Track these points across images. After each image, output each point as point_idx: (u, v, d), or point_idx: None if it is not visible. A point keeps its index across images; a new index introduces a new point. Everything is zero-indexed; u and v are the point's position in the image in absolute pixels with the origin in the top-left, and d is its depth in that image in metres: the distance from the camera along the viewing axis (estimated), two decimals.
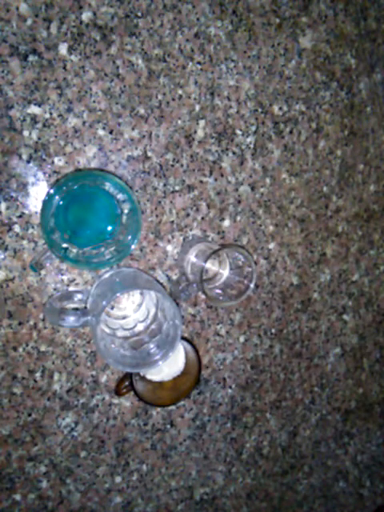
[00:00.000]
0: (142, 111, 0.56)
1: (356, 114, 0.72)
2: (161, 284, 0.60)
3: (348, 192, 0.74)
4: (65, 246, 0.47)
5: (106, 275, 0.55)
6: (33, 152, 0.52)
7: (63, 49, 0.52)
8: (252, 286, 0.54)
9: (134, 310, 0.57)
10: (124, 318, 0.57)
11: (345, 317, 0.78)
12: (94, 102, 0.54)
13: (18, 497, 0.61)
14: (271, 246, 0.68)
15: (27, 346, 0.56)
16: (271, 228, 0.68)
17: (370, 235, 0.78)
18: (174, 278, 0.61)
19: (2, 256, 0.53)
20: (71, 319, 0.48)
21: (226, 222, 0.64)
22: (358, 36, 0.71)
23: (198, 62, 0.59)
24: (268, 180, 0.66)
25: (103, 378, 0.61)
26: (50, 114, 0.52)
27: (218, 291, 0.58)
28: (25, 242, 0.53)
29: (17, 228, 0.53)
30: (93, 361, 0.60)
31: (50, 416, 0.59)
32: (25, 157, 0.52)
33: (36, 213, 0.53)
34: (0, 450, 0.58)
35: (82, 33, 0.53)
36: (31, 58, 0.51)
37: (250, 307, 0.68)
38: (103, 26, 0.53)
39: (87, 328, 0.58)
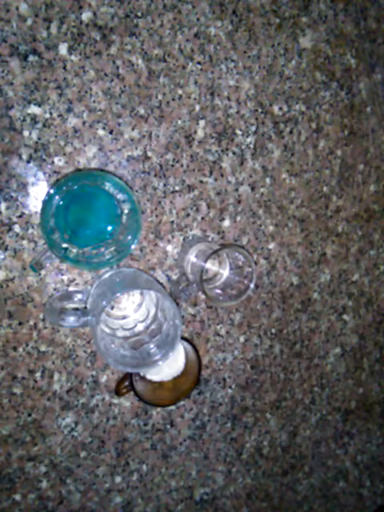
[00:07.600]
0: (141, 111, 0.56)
1: (356, 114, 0.72)
2: (161, 284, 0.60)
3: (348, 192, 0.74)
4: (65, 245, 0.47)
5: (106, 275, 0.55)
6: (33, 152, 0.52)
7: (63, 49, 0.52)
8: (252, 285, 0.54)
9: (134, 309, 0.57)
10: (124, 317, 0.57)
11: (345, 317, 0.78)
12: (93, 102, 0.54)
13: (18, 497, 0.61)
14: (271, 246, 0.68)
15: (27, 346, 0.56)
16: (271, 228, 0.68)
17: (370, 235, 0.78)
18: (174, 278, 0.61)
19: (2, 256, 0.53)
20: (71, 319, 0.48)
21: (226, 222, 0.64)
22: (357, 36, 0.71)
23: (198, 62, 0.59)
24: (268, 180, 0.66)
25: (103, 378, 0.61)
26: (50, 113, 0.52)
27: (218, 291, 0.58)
28: (25, 242, 0.53)
29: (17, 228, 0.53)
30: (93, 361, 0.60)
31: (49, 416, 0.59)
32: (25, 157, 0.52)
33: (36, 213, 0.53)
34: (0, 450, 0.58)
35: (82, 33, 0.53)
36: (31, 58, 0.51)
37: (250, 307, 0.68)
38: (103, 25, 0.53)
39: (87, 328, 0.58)
